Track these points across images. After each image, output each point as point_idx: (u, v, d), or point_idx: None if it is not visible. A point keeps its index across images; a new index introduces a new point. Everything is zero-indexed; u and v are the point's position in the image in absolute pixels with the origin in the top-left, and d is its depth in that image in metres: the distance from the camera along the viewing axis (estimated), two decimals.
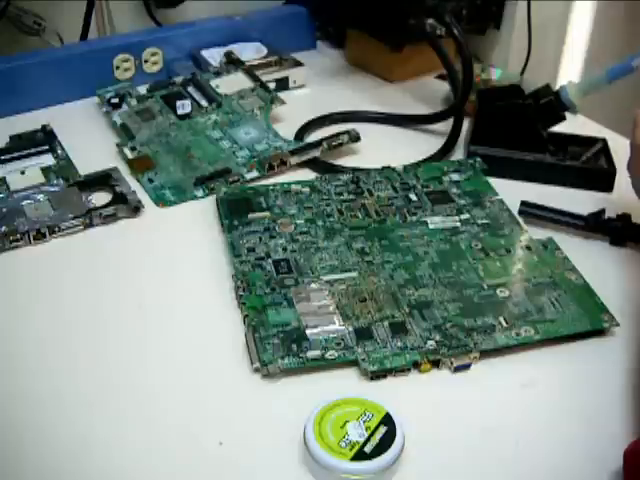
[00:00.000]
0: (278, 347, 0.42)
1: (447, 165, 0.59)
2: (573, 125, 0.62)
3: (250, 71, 0.69)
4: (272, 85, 0.69)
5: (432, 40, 0.65)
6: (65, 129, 0.62)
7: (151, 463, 0.37)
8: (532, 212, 0.53)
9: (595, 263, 0.50)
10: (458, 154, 0.63)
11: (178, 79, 0.68)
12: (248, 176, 0.57)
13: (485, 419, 0.39)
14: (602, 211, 0.52)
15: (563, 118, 0.60)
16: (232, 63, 0.70)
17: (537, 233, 0.52)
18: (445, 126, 0.64)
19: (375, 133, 0.65)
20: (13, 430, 0.38)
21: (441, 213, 0.53)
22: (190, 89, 0.67)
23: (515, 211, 0.54)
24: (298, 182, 0.56)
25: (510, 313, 0.45)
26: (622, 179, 0.58)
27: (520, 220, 0.53)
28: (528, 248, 0.50)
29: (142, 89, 0.67)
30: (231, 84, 0.67)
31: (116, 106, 0.65)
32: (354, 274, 0.47)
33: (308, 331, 0.43)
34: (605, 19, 1.02)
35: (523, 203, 0.54)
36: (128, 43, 0.69)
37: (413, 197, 0.55)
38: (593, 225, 0.52)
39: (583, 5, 0.97)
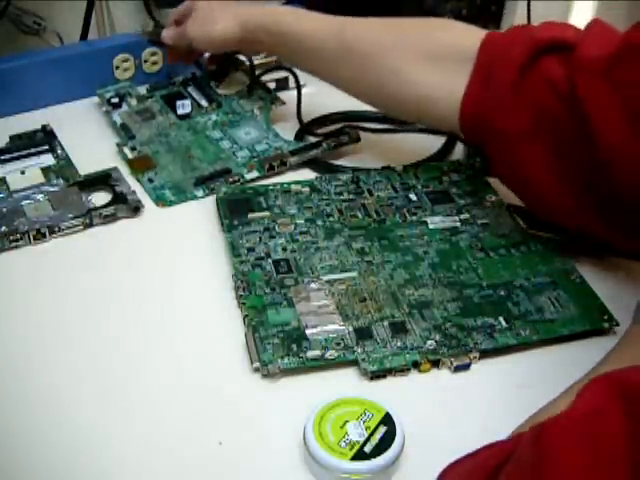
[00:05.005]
0: (278, 347, 0.42)
1: (447, 165, 0.59)
2: None
3: (250, 71, 0.69)
4: (272, 85, 0.69)
5: None
6: (65, 129, 0.62)
7: (151, 463, 0.37)
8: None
9: (595, 263, 0.50)
10: (458, 154, 0.63)
11: (178, 79, 0.68)
12: (248, 176, 0.57)
13: (485, 419, 0.39)
14: None
15: None
16: (232, 63, 0.70)
17: (537, 233, 0.52)
18: None
19: (375, 133, 0.65)
20: (15, 428, 0.38)
21: (441, 213, 0.53)
22: (190, 89, 0.67)
23: None
24: (298, 182, 0.56)
25: (510, 313, 0.45)
26: None
27: (520, 220, 0.52)
28: (528, 248, 0.50)
29: (142, 89, 0.67)
30: (231, 84, 0.67)
31: (116, 106, 0.65)
32: (354, 274, 0.47)
33: (308, 331, 0.43)
34: (605, 19, 1.02)
35: (510, 206, 0.54)
36: (128, 43, 0.69)
37: (413, 197, 0.55)
38: None
39: (583, 5, 0.97)
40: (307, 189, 0.55)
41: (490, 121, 0.48)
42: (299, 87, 0.66)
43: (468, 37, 0.50)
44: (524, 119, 0.46)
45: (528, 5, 0.80)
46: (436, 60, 0.50)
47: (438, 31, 0.53)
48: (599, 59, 0.43)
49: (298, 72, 0.71)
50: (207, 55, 0.69)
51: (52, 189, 0.55)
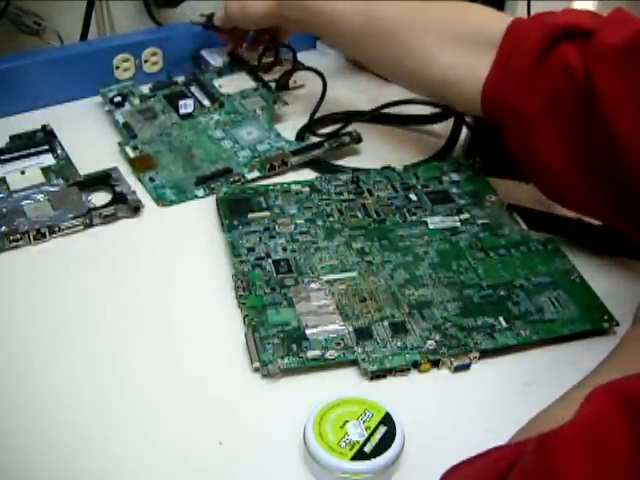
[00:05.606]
0: (278, 347, 0.42)
1: (447, 165, 0.59)
2: None
3: (253, 71, 0.69)
4: (272, 85, 0.69)
5: None
6: (65, 129, 0.62)
7: (151, 463, 0.37)
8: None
9: (595, 263, 0.50)
10: (458, 154, 0.62)
11: (181, 78, 0.68)
12: (249, 176, 0.57)
13: (485, 419, 0.39)
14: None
15: None
16: (235, 63, 0.70)
17: (537, 233, 0.52)
18: (445, 126, 0.64)
19: (375, 133, 0.65)
20: (15, 428, 0.38)
21: (441, 213, 0.53)
22: (193, 89, 0.67)
23: None
24: (298, 182, 0.56)
25: (510, 313, 0.45)
26: None
27: (520, 220, 0.52)
28: (528, 248, 0.50)
29: (145, 88, 0.67)
30: (234, 84, 0.67)
31: (119, 105, 0.65)
32: (354, 274, 0.47)
33: (308, 331, 0.43)
34: None
35: (510, 206, 0.53)
36: (128, 43, 0.69)
37: (413, 197, 0.55)
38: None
39: (583, 5, 0.97)
40: (307, 189, 0.55)
41: (508, 104, 0.49)
42: (325, 86, 0.66)
43: (495, 22, 0.50)
44: (540, 101, 0.47)
45: (528, 5, 0.80)
46: (462, 42, 0.51)
47: (466, 14, 0.53)
48: (615, 47, 0.43)
49: (298, 73, 0.72)
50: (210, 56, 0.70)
51: (52, 189, 0.55)
